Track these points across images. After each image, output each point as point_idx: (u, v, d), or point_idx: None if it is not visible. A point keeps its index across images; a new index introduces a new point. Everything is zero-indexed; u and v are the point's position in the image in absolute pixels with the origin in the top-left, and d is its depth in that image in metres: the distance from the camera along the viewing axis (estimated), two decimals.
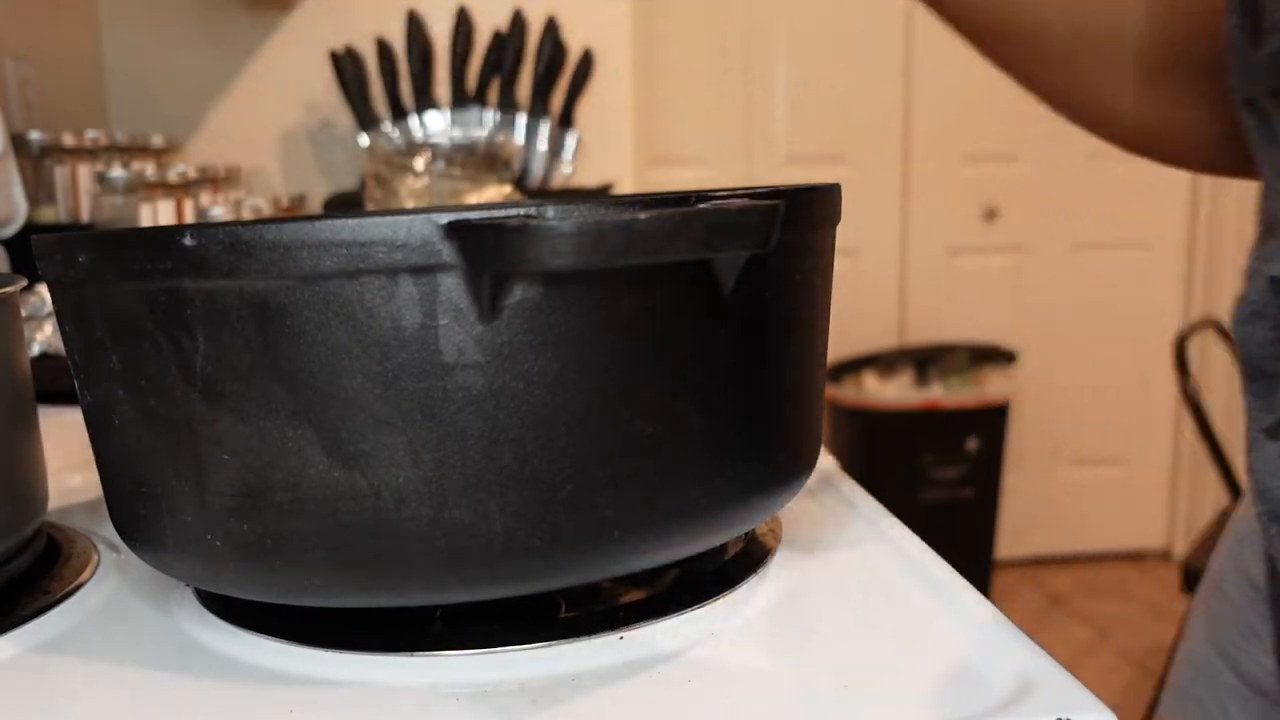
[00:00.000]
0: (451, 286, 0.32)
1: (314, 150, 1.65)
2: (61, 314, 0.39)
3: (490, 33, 1.50)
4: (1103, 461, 2.68)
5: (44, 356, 0.80)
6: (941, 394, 2.37)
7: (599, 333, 0.34)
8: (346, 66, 1.48)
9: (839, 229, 0.44)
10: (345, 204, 1.46)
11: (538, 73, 1.49)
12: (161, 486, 0.37)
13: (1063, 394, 2.62)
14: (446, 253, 0.31)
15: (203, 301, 0.33)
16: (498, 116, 1.51)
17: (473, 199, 1.33)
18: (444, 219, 0.31)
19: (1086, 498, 2.69)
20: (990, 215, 2.57)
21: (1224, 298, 2.55)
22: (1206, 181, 2.56)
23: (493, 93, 1.51)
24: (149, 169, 1.20)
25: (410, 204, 1.34)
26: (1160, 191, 2.59)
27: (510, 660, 0.37)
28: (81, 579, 0.45)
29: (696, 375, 0.36)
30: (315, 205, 1.60)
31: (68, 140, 1.16)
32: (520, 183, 1.50)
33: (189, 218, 1.23)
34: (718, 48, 2.44)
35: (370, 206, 1.39)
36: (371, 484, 0.33)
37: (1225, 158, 0.57)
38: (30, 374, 0.47)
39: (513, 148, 1.49)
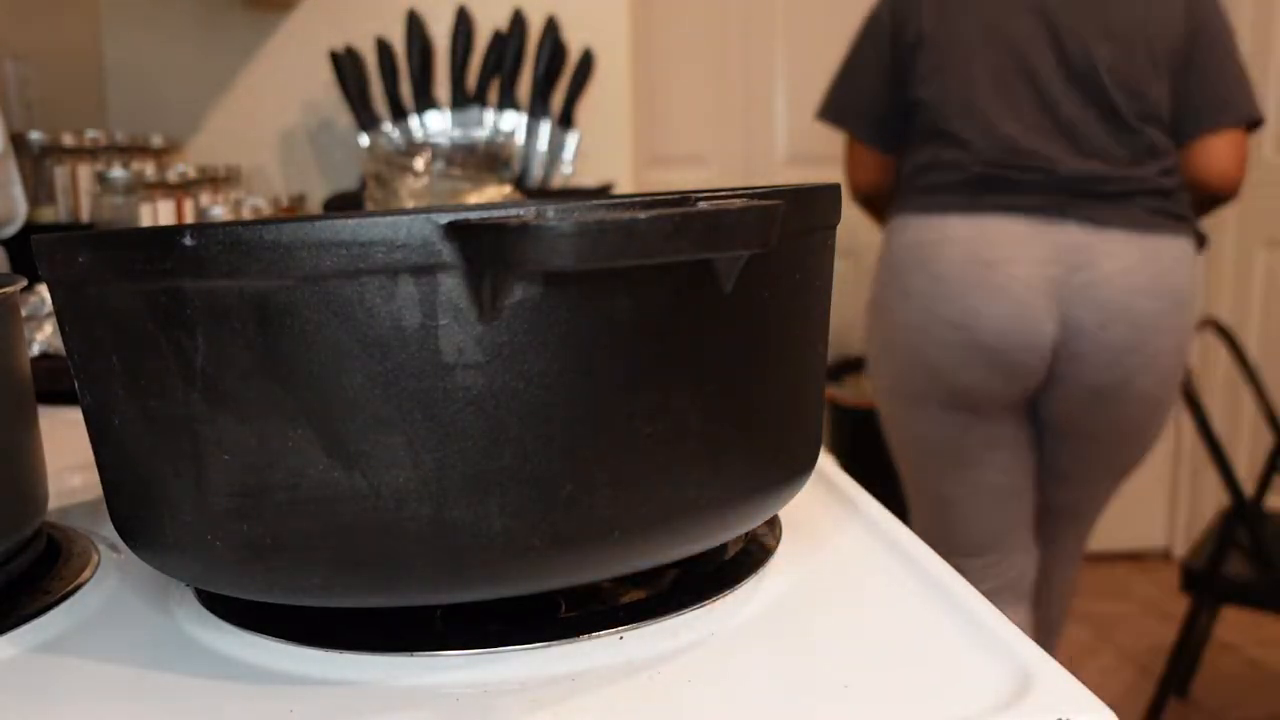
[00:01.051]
0: (451, 286, 0.32)
1: (314, 150, 1.65)
2: (61, 314, 0.39)
3: (490, 33, 1.50)
4: None
5: (44, 356, 0.80)
6: None
7: (599, 333, 0.34)
8: (346, 66, 1.48)
9: (839, 229, 0.44)
10: (345, 204, 1.46)
11: (538, 73, 1.49)
12: (161, 486, 0.37)
13: None
14: (446, 253, 0.31)
15: (203, 301, 0.33)
16: (498, 116, 1.51)
17: (473, 199, 1.33)
18: (444, 219, 0.31)
19: None
20: None
21: (1224, 298, 2.56)
22: None
23: (493, 93, 1.51)
24: (149, 169, 1.20)
25: (410, 204, 1.34)
26: None
27: (510, 660, 0.37)
28: (81, 579, 0.45)
29: (696, 375, 0.36)
30: (315, 205, 1.60)
31: (68, 140, 1.16)
32: (520, 183, 1.50)
33: (189, 218, 1.23)
34: (718, 47, 2.44)
35: (370, 206, 1.39)
36: (371, 484, 0.33)
37: None
38: (30, 374, 0.47)
39: (513, 148, 1.49)
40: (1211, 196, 1.43)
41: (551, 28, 1.48)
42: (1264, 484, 1.68)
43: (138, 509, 0.39)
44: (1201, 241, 1.45)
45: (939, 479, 1.52)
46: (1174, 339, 1.38)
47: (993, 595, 1.49)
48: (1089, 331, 1.35)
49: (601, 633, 0.38)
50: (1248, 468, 2.34)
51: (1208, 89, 1.39)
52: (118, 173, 1.11)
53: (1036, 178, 1.36)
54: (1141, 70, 1.35)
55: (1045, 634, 1.65)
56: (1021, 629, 0.38)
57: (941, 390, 1.44)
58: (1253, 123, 1.42)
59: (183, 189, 1.23)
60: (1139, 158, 1.37)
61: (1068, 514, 1.57)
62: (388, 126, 1.50)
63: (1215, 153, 1.39)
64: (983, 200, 1.37)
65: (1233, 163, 1.40)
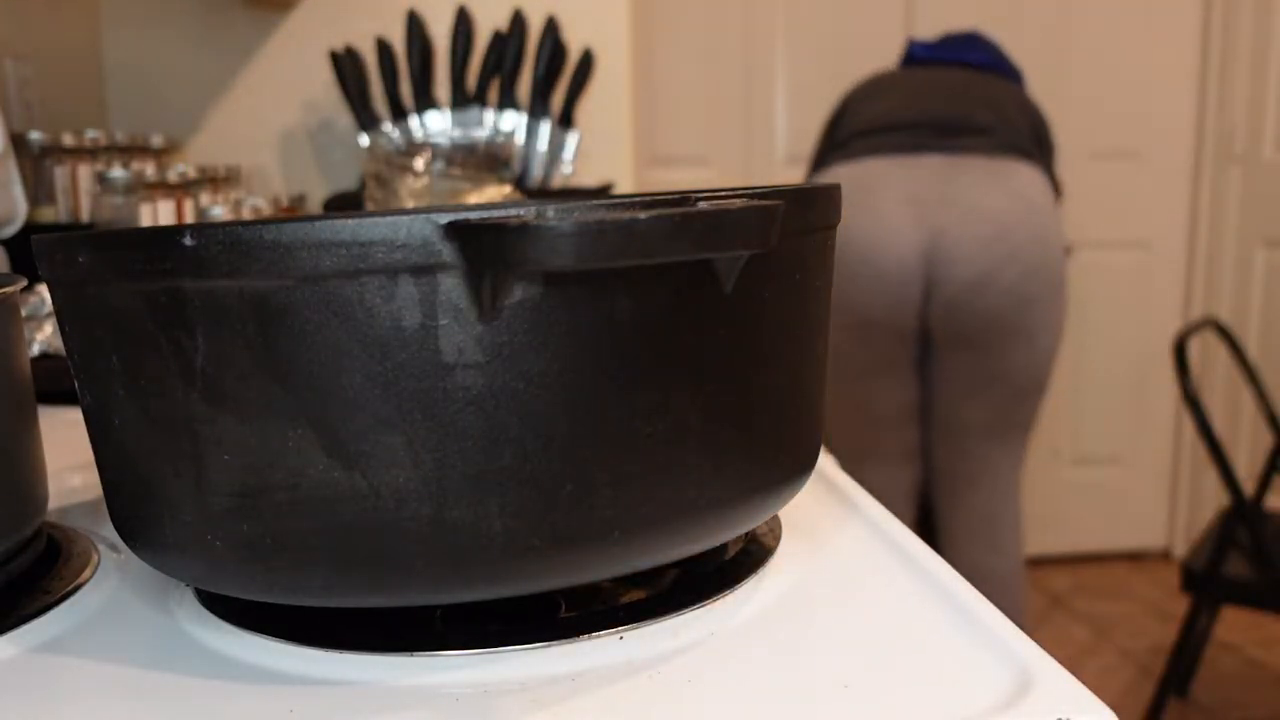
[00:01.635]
0: (451, 286, 0.32)
1: (314, 150, 1.65)
2: (61, 314, 0.39)
3: (490, 33, 1.50)
4: (1103, 461, 2.68)
5: (44, 356, 0.80)
6: None
7: (599, 333, 0.34)
8: (346, 66, 1.48)
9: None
10: (345, 204, 1.46)
11: (538, 73, 1.49)
12: (161, 486, 0.37)
13: (1063, 394, 2.62)
14: (446, 253, 0.31)
15: (203, 301, 0.33)
16: (498, 116, 1.51)
17: (473, 199, 1.33)
18: (444, 219, 0.31)
19: (1086, 498, 2.69)
20: None
21: (1224, 298, 2.56)
22: (1206, 182, 2.56)
23: (493, 93, 1.51)
24: (149, 169, 1.20)
25: (410, 204, 1.34)
26: (1160, 191, 2.59)
27: (510, 660, 0.37)
28: (81, 579, 0.45)
29: (696, 375, 0.36)
30: (315, 205, 1.60)
31: (68, 140, 1.16)
32: (520, 183, 1.50)
33: (189, 218, 1.23)
34: (718, 47, 2.44)
35: (370, 206, 1.39)
36: (371, 484, 0.33)
37: None
38: (30, 374, 0.47)
39: (513, 148, 1.49)
40: None
41: (551, 28, 1.48)
42: (1264, 484, 1.68)
43: (138, 509, 0.39)
44: (1057, 190, 1.73)
45: (844, 394, 1.79)
46: (1034, 240, 1.60)
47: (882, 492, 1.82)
48: (952, 231, 1.59)
49: (601, 633, 0.38)
50: (1248, 468, 2.34)
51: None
52: (118, 173, 1.11)
53: (903, 120, 1.69)
54: (1011, 121, 1.70)
55: (1003, 586, 1.74)
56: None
57: (841, 312, 1.67)
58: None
59: (183, 189, 1.23)
60: (997, 119, 1.70)
61: (981, 434, 1.73)
62: (388, 126, 1.50)
63: None
64: (859, 149, 1.69)
65: None
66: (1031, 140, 1.70)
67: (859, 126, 1.73)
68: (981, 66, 1.81)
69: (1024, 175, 1.63)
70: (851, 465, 1.83)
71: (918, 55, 1.86)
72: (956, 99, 1.71)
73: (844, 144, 1.73)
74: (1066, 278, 1.66)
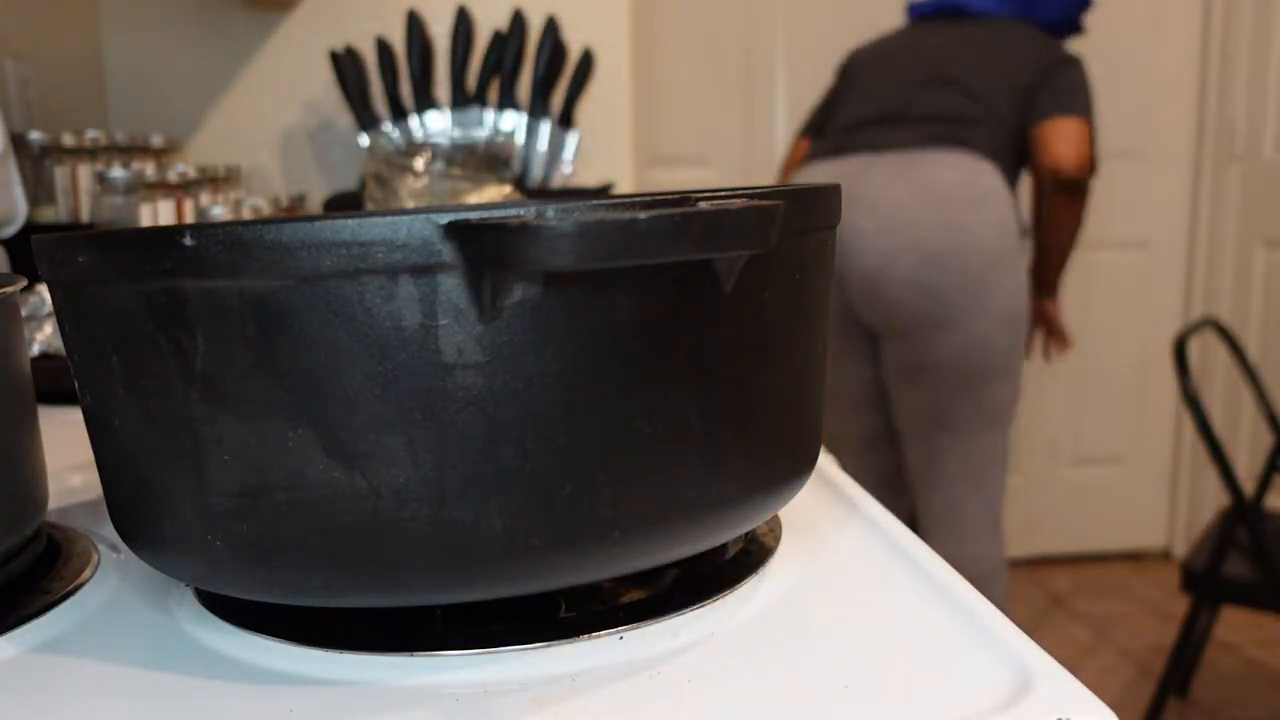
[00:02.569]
0: (451, 286, 0.32)
1: (314, 150, 1.65)
2: (61, 314, 0.39)
3: (490, 33, 1.50)
4: (1103, 461, 2.68)
5: (44, 356, 0.80)
6: None
7: (599, 332, 0.34)
8: (346, 66, 1.48)
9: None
10: (345, 204, 1.46)
11: (538, 73, 1.49)
12: (161, 486, 0.37)
13: (1063, 394, 2.62)
14: (446, 253, 0.31)
15: (202, 301, 0.33)
16: (498, 116, 1.51)
17: (473, 199, 1.33)
18: (444, 219, 0.31)
19: (1086, 498, 2.69)
20: None
21: (1224, 298, 2.56)
22: (1206, 181, 2.56)
23: (493, 93, 1.51)
24: (149, 169, 1.20)
25: (410, 204, 1.34)
26: (1160, 191, 2.59)
27: (510, 660, 0.37)
28: (81, 579, 0.45)
29: (696, 375, 0.36)
30: (315, 205, 1.60)
31: (68, 140, 1.16)
32: (520, 183, 1.50)
33: (189, 218, 1.23)
34: (718, 47, 2.44)
35: (370, 206, 1.39)
36: (371, 484, 0.33)
37: None
38: (30, 374, 0.47)
39: (513, 148, 1.49)
40: (1062, 180, 1.62)
41: (551, 28, 1.48)
42: (1264, 484, 1.68)
43: (138, 509, 0.39)
44: (1014, 177, 1.69)
45: None
46: (941, 227, 1.58)
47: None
48: (849, 227, 1.62)
49: (601, 633, 0.38)
50: (1248, 468, 2.34)
51: (1058, 93, 1.65)
52: (118, 173, 1.11)
53: (850, 118, 1.73)
54: (992, 88, 1.65)
55: (975, 581, 1.75)
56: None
57: None
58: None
59: (183, 189, 1.23)
60: (941, 102, 1.66)
61: (926, 424, 1.72)
62: (388, 126, 1.49)
63: (1060, 131, 1.62)
64: (813, 154, 1.77)
65: (1075, 142, 1.62)
66: (1009, 102, 1.63)
67: (825, 127, 1.81)
68: (979, 14, 1.75)
69: (941, 165, 1.59)
70: (832, 448, 1.86)
71: (915, 13, 1.85)
72: (912, 84, 1.69)
73: (809, 154, 1.80)
74: (1007, 262, 1.58)
